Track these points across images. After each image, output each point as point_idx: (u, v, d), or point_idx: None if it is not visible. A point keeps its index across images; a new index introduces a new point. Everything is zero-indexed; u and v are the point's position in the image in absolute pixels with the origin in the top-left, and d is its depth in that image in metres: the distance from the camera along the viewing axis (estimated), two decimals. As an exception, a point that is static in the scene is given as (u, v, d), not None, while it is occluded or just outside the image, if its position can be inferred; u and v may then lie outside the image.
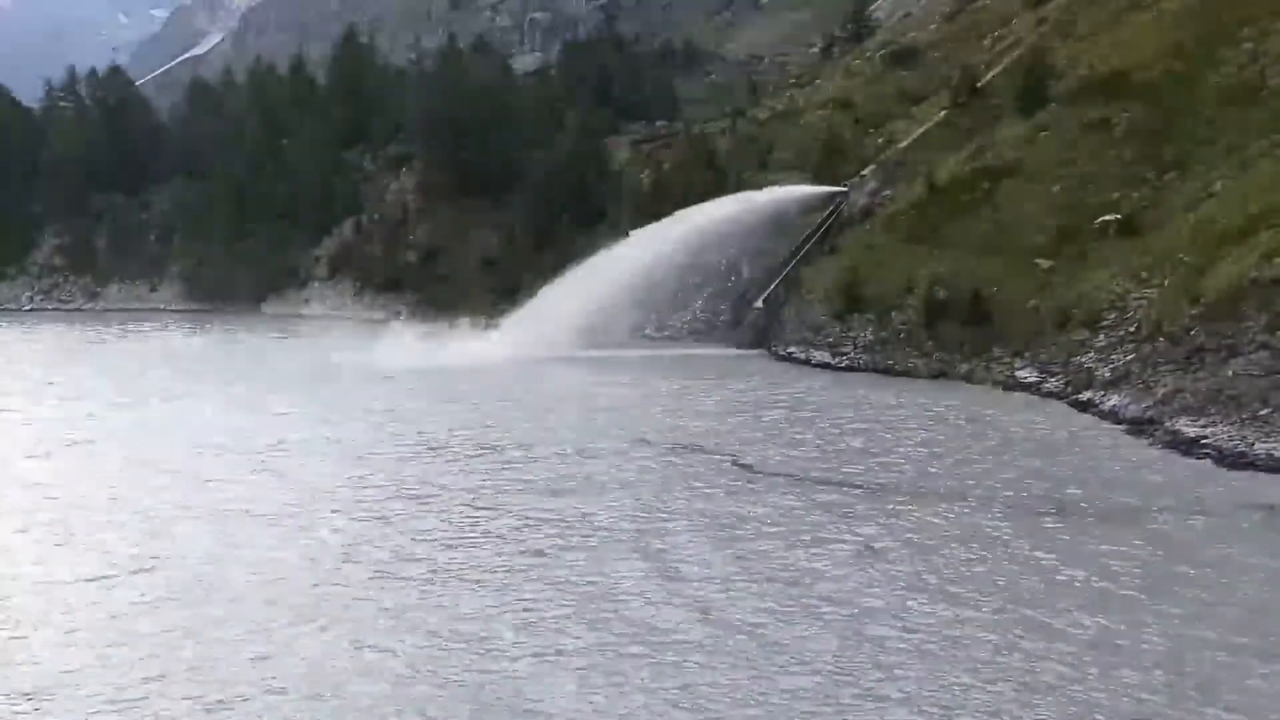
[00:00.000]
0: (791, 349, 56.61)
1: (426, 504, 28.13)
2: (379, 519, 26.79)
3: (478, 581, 22.16)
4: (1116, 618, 20.13)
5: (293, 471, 31.79)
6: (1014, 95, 61.94)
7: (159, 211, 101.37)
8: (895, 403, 42.49)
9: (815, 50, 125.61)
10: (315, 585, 22.08)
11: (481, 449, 34.59)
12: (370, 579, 22.42)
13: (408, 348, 58.44)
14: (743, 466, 32.12)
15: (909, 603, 20.99)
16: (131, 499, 28.68)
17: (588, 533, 25.49)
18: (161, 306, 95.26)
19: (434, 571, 22.74)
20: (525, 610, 20.51)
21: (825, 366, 52.87)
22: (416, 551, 24.16)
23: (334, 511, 27.54)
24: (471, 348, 59.52)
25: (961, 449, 34.49)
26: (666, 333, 68.47)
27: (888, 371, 50.46)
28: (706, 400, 44.66)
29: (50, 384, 51.21)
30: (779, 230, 64.64)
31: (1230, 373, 34.66)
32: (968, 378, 47.71)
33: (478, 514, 26.88)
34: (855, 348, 53.07)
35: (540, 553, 24.02)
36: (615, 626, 19.76)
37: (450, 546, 24.47)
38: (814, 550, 24.13)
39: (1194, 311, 37.83)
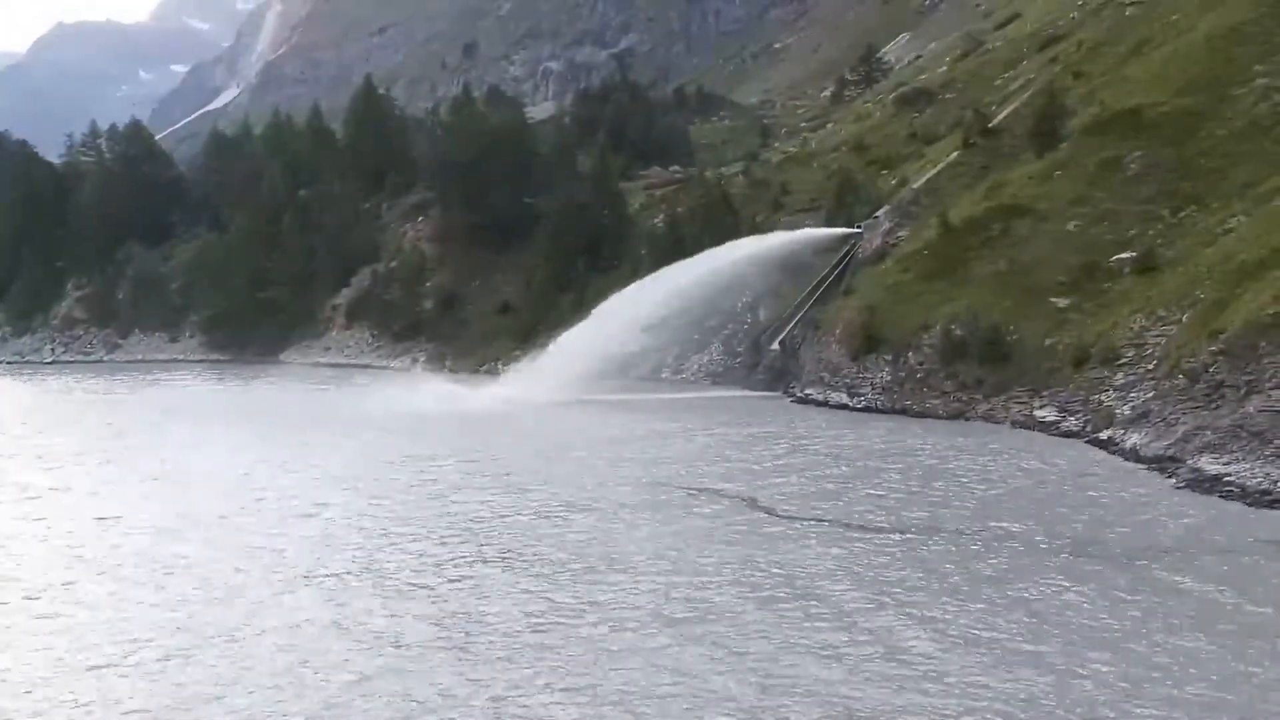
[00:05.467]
0: (809, 390, 56.53)
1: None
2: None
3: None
4: (1149, 661, 19.86)
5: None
6: (1027, 134, 62.25)
7: (179, 263, 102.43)
8: (915, 445, 42.16)
9: (827, 94, 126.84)
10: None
11: (534, 508, 33.47)
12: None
13: (428, 395, 58.74)
14: (764, 510, 31.96)
15: (942, 639, 20.78)
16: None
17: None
18: (181, 357, 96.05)
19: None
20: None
21: (843, 408, 52.73)
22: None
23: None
24: (490, 393, 59.75)
25: (982, 490, 34.15)
26: (683, 375, 68.63)
27: (905, 412, 50.27)
28: (726, 444, 44.41)
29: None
30: (794, 272, 64.87)
31: (1251, 409, 34.34)
32: (986, 417, 47.45)
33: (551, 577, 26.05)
34: (872, 389, 52.95)
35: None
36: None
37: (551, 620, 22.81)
38: (852, 593, 23.90)
39: (1213, 348, 37.58)
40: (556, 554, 27.19)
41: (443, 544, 28.52)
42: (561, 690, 18.77)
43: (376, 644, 21.05)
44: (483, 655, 20.40)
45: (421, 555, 27.44)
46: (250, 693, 18.80)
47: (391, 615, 22.73)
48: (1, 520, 32.47)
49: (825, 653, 20.32)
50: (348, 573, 25.87)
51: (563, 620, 22.21)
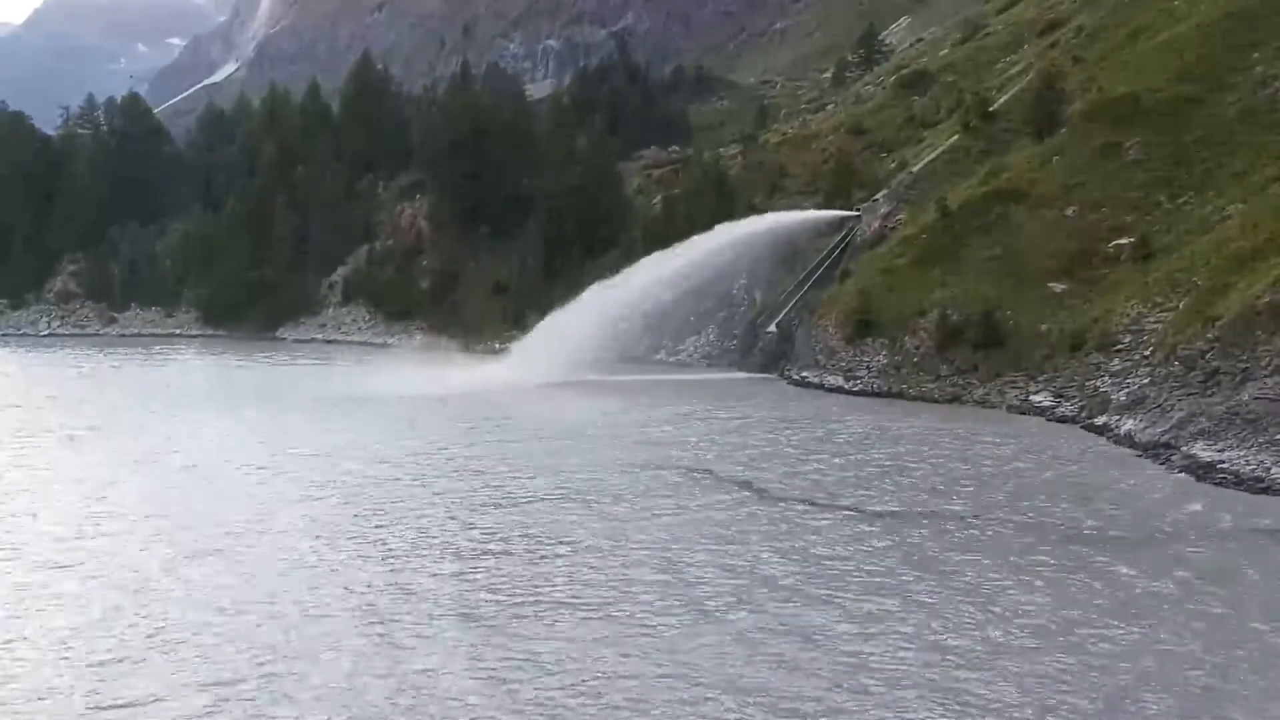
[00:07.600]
0: (805, 373, 56.55)
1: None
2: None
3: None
4: (1135, 649, 20.08)
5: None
6: (1025, 120, 62.19)
7: (175, 238, 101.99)
8: (911, 428, 42.23)
9: (827, 75, 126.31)
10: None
11: (530, 491, 33.06)
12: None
13: (425, 373, 58.61)
14: (757, 491, 32.10)
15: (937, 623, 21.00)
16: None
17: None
18: (178, 332, 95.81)
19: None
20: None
21: (838, 391, 52.74)
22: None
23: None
24: (486, 374, 59.62)
25: (979, 475, 34.24)
26: (678, 357, 68.56)
27: (901, 396, 50.36)
28: (726, 426, 44.37)
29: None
30: (791, 255, 64.77)
31: (1245, 396, 34.51)
32: (981, 402, 47.56)
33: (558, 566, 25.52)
34: (868, 372, 53.02)
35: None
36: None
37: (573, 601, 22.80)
38: (840, 581, 24.09)
39: (1208, 335, 37.74)
40: (559, 541, 27.37)
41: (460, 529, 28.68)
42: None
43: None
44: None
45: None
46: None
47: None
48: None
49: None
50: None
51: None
